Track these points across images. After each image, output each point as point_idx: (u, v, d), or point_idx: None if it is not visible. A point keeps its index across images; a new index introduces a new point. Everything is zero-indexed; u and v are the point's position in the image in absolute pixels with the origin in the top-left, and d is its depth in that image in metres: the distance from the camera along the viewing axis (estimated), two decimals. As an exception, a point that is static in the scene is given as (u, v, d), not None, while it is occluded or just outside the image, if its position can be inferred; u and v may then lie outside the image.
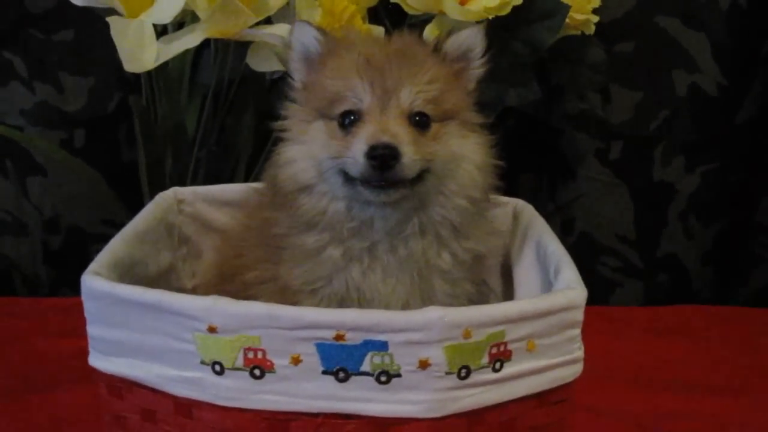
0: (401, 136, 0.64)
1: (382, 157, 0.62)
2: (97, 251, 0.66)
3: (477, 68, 0.72)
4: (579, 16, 1.01)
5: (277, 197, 0.70)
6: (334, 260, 0.68)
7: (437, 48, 0.71)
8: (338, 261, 0.68)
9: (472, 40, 0.71)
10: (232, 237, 0.80)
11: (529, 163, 1.26)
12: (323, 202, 0.68)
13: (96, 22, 1.05)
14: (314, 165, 0.68)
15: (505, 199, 0.84)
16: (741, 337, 1.13)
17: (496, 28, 0.95)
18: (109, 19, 0.86)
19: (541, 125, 1.23)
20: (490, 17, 0.91)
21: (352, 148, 0.64)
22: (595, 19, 1.05)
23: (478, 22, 0.91)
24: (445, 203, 0.68)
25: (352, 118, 0.66)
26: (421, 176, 0.66)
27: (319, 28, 0.72)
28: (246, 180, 1.07)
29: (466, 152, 0.69)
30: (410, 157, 0.63)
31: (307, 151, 0.68)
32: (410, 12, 0.95)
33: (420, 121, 0.66)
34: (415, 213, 0.67)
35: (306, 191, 0.68)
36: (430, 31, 0.94)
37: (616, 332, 1.12)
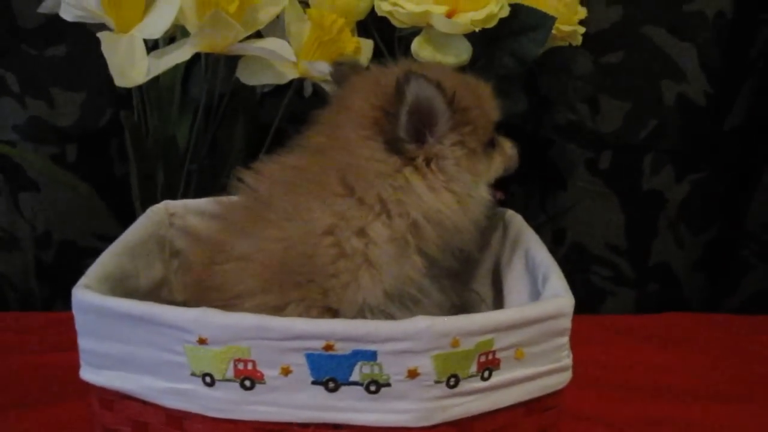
0: None
1: None
2: (90, 265, 0.66)
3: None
4: (566, 28, 1.02)
5: None
6: None
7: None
8: None
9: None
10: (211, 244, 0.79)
11: (520, 174, 1.26)
12: None
13: (87, 37, 1.06)
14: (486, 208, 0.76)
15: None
16: (732, 344, 1.13)
17: (483, 41, 0.96)
18: (99, 34, 0.87)
19: (531, 136, 1.24)
20: (477, 30, 0.92)
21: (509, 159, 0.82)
22: (582, 30, 1.05)
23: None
24: None
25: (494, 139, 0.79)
26: None
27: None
28: (238, 192, 1.08)
29: None
30: None
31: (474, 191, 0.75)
32: (398, 25, 0.95)
33: None
34: None
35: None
36: (417, 45, 0.95)
37: (608, 340, 1.13)
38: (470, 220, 0.72)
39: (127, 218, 0.92)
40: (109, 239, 0.74)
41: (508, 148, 0.81)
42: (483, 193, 0.74)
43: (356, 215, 0.68)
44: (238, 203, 0.77)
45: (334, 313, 0.67)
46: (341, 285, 0.67)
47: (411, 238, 0.68)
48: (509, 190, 1.24)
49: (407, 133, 0.68)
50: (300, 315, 0.65)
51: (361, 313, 0.67)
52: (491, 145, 0.77)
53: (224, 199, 0.88)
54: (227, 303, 0.67)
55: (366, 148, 0.69)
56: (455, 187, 0.70)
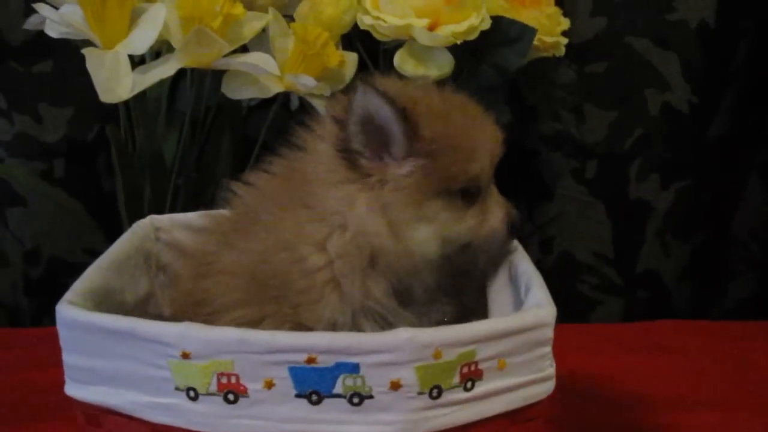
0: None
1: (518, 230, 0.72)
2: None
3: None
4: (548, 39, 1.03)
5: None
6: None
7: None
8: None
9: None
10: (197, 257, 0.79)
11: (506, 184, 1.26)
12: None
13: (73, 53, 1.07)
14: (445, 244, 0.70)
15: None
16: (721, 351, 1.13)
17: (466, 54, 0.97)
18: (84, 50, 0.87)
19: (516, 146, 1.24)
20: (459, 42, 0.93)
21: (489, 221, 0.73)
22: (565, 41, 1.06)
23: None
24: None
25: (473, 191, 0.71)
26: None
27: None
28: (224, 206, 1.08)
29: None
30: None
31: (435, 231, 0.70)
32: (381, 39, 0.96)
33: None
34: None
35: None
36: (400, 58, 0.95)
37: (597, 349, 1.13)
38: (413, 260, 0.67)
39: (115, 233, 0.92)
40: (98, 254, 0.74)
41: (493, 217, 0.72)
42: (430, 241, 0.67)
43: (314, 229, 0.67)
44: (226, 215, 0.76)
45: (306, 329, 0.66)
46: (310, 301, 0.66)
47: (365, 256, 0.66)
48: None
49: (362, 146, 0.66)
50: (275, 329, 0.63)
51: (332, 330, 0.66)
52: (472, 198, 0.70)
53: (212, 212, 0.89)
54: (210, 317, 0.67)
55: (324, 157, 0.68)
56: (393, 218, 0.66)
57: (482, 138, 0.70)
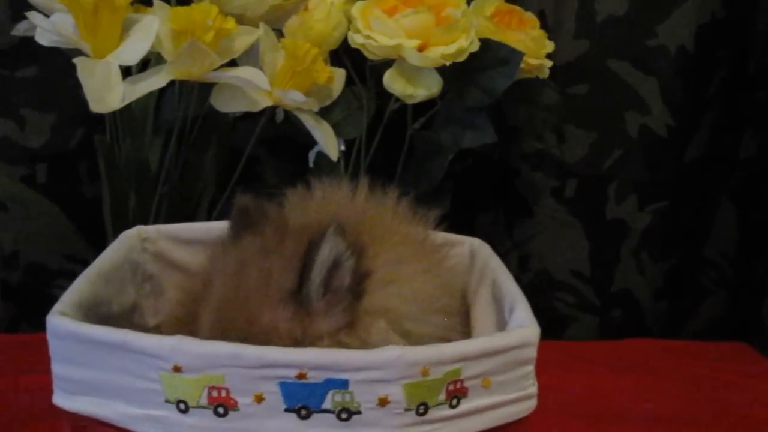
0: None
1: None
2: (58, 287, 0.67)
3: (348, 264, 0.66)
4: (533, 61, 1.04)
5: None
6: None
7: (300, 291, 0.65)
8: None
9: (336, 250, 0.65)
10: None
11: (487, 202, 1.29)
12: None
13: (58, 59, 1.07)
14: None
15: (462, 238, 0.86)
16: (692, 371, 1.15)
17: (453, 74, 0.98)
18: (76, 60, 0.87)
19: (498, 165, 1.27)
20: (448, 63, 0.94)
21: None
22: (549, 64, 1.08)
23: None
24: None
25: None
26: None
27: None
28: (209, 217, 1.08)
29: None
30: None
31: None
32: (370, 57, 0.97)
33: None
34: None
35: None
36: (389, 77, 0.96)
37: (572, 367, 1.14)
38: None
39: (96, 240, 0.93)
40: (78, 261, 0.74)
41: None
42: None
43: None
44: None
45: None
46: None
47: None
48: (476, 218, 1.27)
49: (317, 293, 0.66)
50: None
51: None
52: None
53: (197, 225, 0.89)
54: None
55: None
56: None
57: None
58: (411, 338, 0.67)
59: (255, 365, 0.56)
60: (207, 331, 0.67)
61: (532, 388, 0.64)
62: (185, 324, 0.71)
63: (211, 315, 0.68)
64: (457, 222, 0.87)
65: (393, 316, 0.68)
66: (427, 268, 0.73)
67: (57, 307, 0.63)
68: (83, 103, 0.87)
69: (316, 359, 0.56)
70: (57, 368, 0.62)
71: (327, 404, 0.57)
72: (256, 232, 0.72)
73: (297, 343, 0.64)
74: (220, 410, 0.57)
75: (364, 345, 0.63)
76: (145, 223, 0.88)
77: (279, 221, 0.73)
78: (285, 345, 0.60)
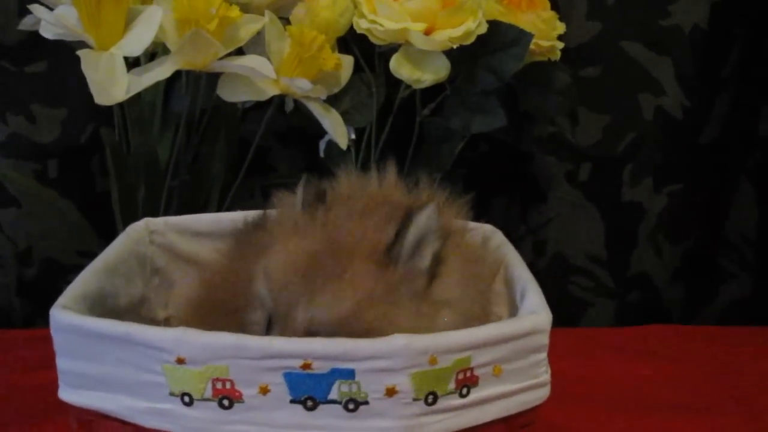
0: None
1: None
2: (71, 282, 0.67)
3: (433, 245, 0.66)
4: (544, 43, 1.03)
5: None
6: None
7: (390, 253, 0.64)
8: None
9: (429, 225, 0.65)
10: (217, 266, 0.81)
11: (501, 187, 1.27)
12: None
13: (68, 53, 1.06)
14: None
15: (474, 224, 0.85)
16: (711, 356, 1.14)
17: (462, 58, 0.97)
18: (79, 52, 0.87)
19: (511, 150, 1.25)
20: (455, 47, 0.93)
21: None
22: (561, 45, 1.07)
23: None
24: None
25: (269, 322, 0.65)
26: None
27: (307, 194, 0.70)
28: (219, 208, 1.08)
29: None
30: None
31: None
32: (377, 42, 0.96)
33: None
34: None
35: None
36: (396, 62, 0.95)
37: (590, 353, 1.13)
38: None
39: (108, 234, 0.92)
40: (91, 255, 0.74)
41: None
42: None
43: None
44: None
45: None
46: None
47: None
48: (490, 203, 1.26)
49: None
50: None
51: None
52: None
53: (206, 216, 0.89)
54: None
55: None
56: None
57: None
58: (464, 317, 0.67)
59: (259, 356, 0.55)
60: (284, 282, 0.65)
61: (545, 376, 0.63)
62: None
63: (292, 268, 0.65)
64: (471, 208, 0.86)
65: (453, 305, 0.67)
66: (472, 257, 0.74)
67: (60, 300, 0.62)
68: (93, 98, 0.86)
69: (322, 349, 0.55)
70: (62, 362, 0.61)
71: (333, 395, 0.56)
72: (337, 205, 0.71)
73: (374, 299, 0.63)
74: (225, 402, 0.56)
75: (429, 328, 0.61)
76: (155, 216, 0.87)
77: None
78: (363, 298, 0.61)
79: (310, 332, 0.61)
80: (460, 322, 0.65)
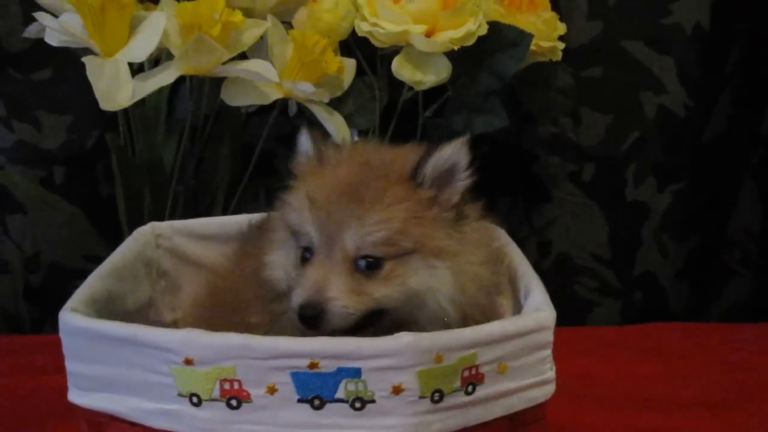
0: (332, 289, 0.62)
1: (308, 318, 0.62)
2: (78, 287, 0.67)
3: (462, 181, 0.67)
4: (545, 44, 1.03)
5: None
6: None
7: (415, 173, 0.66)
8: None
9: (456, 157, 0.67)
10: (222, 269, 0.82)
11: (505, 188, 1.28)
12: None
13: (73, 60, 1.07)
14: (287, 280, 0.69)
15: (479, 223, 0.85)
16: (717, 353, 1.14)
17: (463, 59, 0.97)
18: (84, 59, 0.87)
19: (514, 150, 1.25)
20: (456, 48, 0.93)
21: (293, 296, 0.64)
22: (562, 46, 1.07)
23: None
24: (423, 326, 0.64)
25: (307, 255, 0.66)
26: (379, 313, 0.64)
27: (315, 138, 0.72)
28: (224, 212, 1.08)
29: (432, 285, 0.65)
30: (338, 312, 0.62)
31: (283, 264, 0.70)
32: (378, 45, 0.97)
33: (368, 264, 0.64)
34: (393, 328, 0.61)
35: (280, 297, 0.69)
36: (398, 64, 0.96)
37: (596, 352, 1.13)
38: None
39: (114, 239, 0.93)
40: (98, 260, 0.75)
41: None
42: None
43: None
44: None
45: None
46: None
47: None
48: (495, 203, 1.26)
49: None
50: None
51: None
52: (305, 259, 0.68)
53: (211, 220, 0.90)
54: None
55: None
56: None
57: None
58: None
59: (266, 356, 0.56)
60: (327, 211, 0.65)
61: (550, 373, 0.63)
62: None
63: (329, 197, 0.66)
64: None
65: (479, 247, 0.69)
66: (488, 237, 0.74)
67: (69, 303, 0.63)
68: (98, 104, 0.87)
69: (328, 348, 0.56)
70: (70, 365, 0.62)
71: (340, 393, 0.56)
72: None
73: (417, 218, 0.64)
74: (233, 402, 0.57)
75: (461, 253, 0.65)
76: (161, 220, 0.88)
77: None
78: (408, 217, 0.64)
79: (361, 255, 0.63)
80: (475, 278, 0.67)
